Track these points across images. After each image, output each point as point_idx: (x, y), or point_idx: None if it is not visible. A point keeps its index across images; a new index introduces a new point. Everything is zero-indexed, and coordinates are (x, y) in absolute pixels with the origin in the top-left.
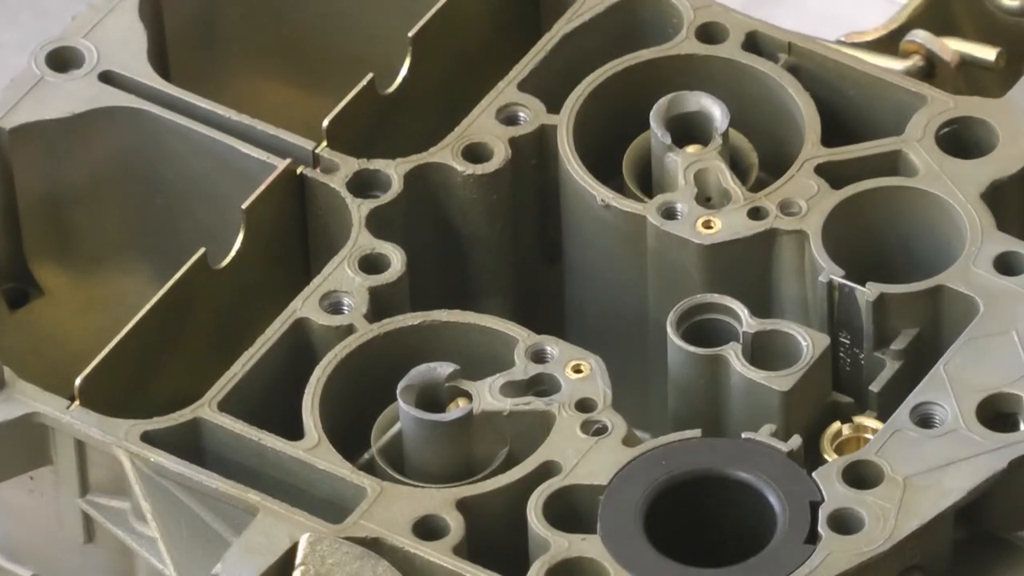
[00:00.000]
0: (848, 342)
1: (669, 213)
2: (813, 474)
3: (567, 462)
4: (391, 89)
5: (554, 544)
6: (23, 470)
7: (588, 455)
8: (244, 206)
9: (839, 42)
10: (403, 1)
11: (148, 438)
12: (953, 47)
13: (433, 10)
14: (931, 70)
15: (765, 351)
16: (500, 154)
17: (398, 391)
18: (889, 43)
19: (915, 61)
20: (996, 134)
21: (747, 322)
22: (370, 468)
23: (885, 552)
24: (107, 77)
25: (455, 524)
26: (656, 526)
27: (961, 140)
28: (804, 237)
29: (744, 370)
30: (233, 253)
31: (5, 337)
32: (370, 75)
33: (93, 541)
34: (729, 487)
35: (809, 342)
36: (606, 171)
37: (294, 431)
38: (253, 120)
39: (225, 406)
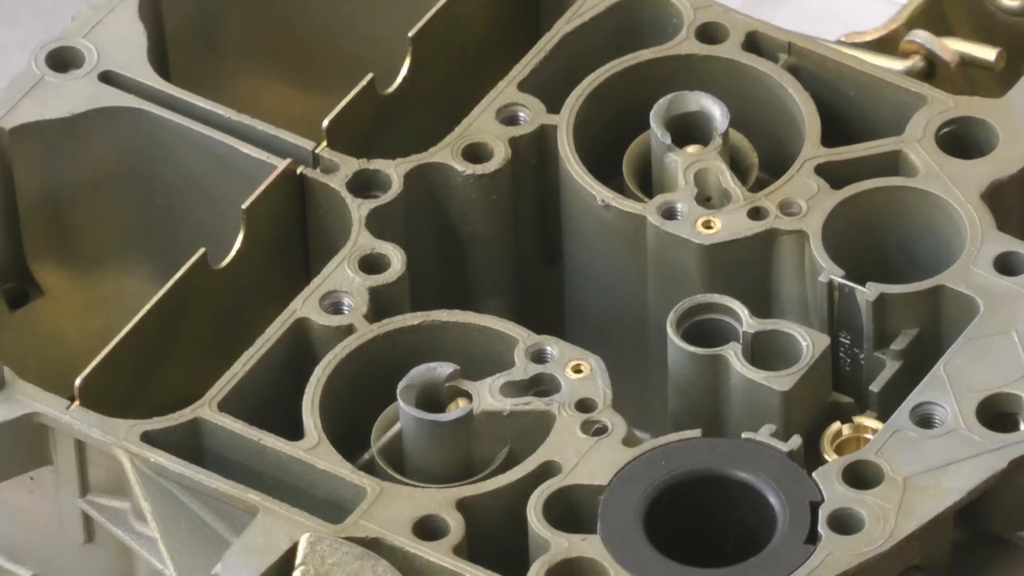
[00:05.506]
0: (848, 342)
1: (669, 213)
2: (813, 474)
3: (567, 462)
4: (391, 89)
5: (554, 544)
6: (23, 470)
7: (588, 455)
8: (244, 206)
9: (839, 42)
10: (403, 1)
11: (148, 438)
12: (953, 47)
13: (433, 10)
14: (931, 70)
15: (765, 351)
16: (500, 154)
17: (398, 391)
18: (889, 43)
19: (915, 61)
20: (996, 134)
21: (747, 322)
22: (370, 468)
23: (885, 552)
24: (107, 77)
25: (455, 524)
26: (656, 526)
27: (961, 140)
28: (804, 237)
29: (744, 370)
30: (233, 253)
31: (5, 337)
32: (370, 75)
33: (93, 541)
34: (729, 487)
35: (809, 342)
36: (606, 171)
37: (294, 431)
38: (253, 120)
39: (225, 406)
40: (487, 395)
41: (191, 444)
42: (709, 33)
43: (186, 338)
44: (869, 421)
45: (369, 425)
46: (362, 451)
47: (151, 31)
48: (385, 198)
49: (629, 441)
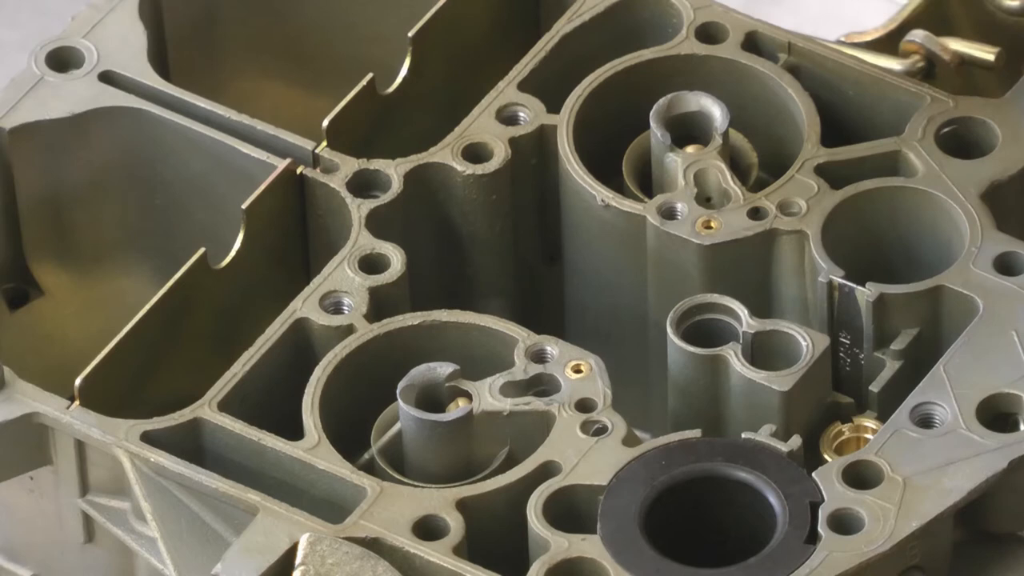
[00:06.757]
0: (848, 342)
1: (669, 213)
2: (813, 474)
3: (567, 462)
4: (391, 89)
5: (554, 544)
6: (23, 470)
7: (588, 455)
8: (244, 206)
9: (839, 42)
10: (403, 1)
11: (148, 438)
12: (953, 47)
13: (433, 10)
14: (931, 70)
15: (765, 351)
16: (500, 154)
17: (398, 391)
18: (889, 43)
19: (915, 61)
20: (996, 134)
21: (747, 322)
22: (370, 468)
23: (885, 552)
24: (107, 77)
25: (455, 524)
26: (656, 526)
27: (961, 140)
28: (804, 237)
29: (744, 370)
30: (233, 253)
31: (5, 337)
32: (370, 75)
33: (93, 541)
34: (729, 487)
35: (809, 342)
36: (606, 171)
37: (294, 431)
38: (253, 120)
39: (225, 406)
40: (487, 395)
41: (191, 444)
42: (709, 33)
43: (186, 338)
44: (869, 421)
45: (369, 425)
46: (362, 451)
47: (151, 31)
48: (385, 198)
49: (629, 441)
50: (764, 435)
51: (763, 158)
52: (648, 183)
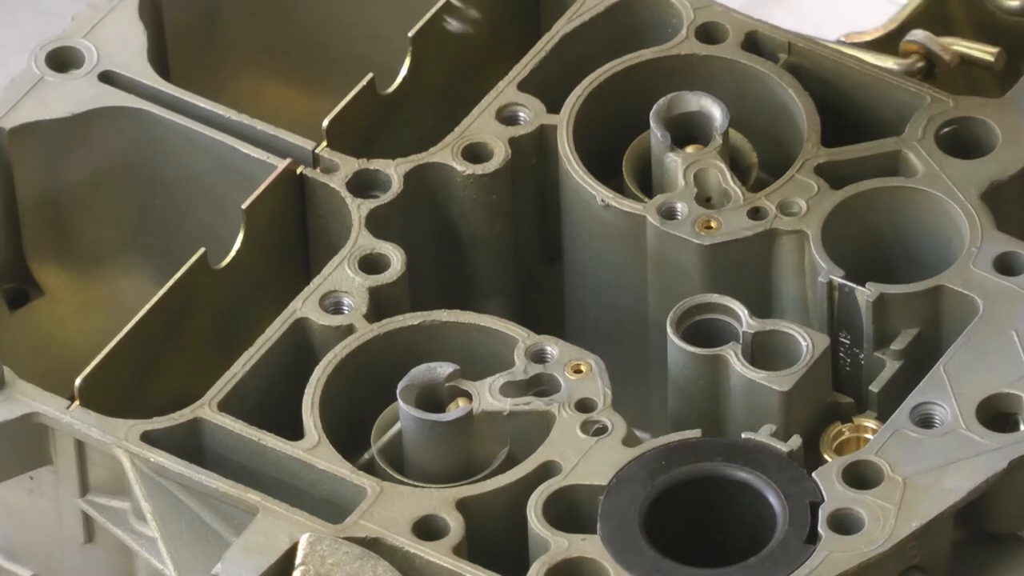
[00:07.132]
0: (848, 342)
1: (669, 213)
2: (813, 474)
3: (567, 462)
4: (391, 89)
5: (554, 544)
6: (23, 470)
7: (588, 455)
8: (244, 206)
9: (839, 42)
10: (403, 1)
11: (148, 438)
12: (953, 47)
13: (433, 10)
14: (931, 70)
15: (765, 351)
16: (500, 154)
17: (398, 391)
18: (889, 43)
19: (915, 61)
20: (996, 134)
21: (747, 322)
22: (370, 468)
23: (885, 552)
24: (107, 77)
25: (455, 524)
26: (656, 526)
27: (961, 140)
28: (804, 237)
29: (744, 370)
30: (233, 253)
31: (5, 337)
32: (370, 75)
33: (93, 541)
34: (729, 487)
35: (809, 342)
36: (606, 171)
37: (294, 431)
38: (253, 120)
39: (225, 406)
40: (487, 395)
41: (191, 444)
42: (709, 33)
43: (186, 338)
44: (869, 421)
45: (369, 425)
46: (362, 451)
47: (151, 31)
48: (385, 198)
49: (629, 441)
50: (764, 435)
51: (763, 158)
52: (648, 183)
